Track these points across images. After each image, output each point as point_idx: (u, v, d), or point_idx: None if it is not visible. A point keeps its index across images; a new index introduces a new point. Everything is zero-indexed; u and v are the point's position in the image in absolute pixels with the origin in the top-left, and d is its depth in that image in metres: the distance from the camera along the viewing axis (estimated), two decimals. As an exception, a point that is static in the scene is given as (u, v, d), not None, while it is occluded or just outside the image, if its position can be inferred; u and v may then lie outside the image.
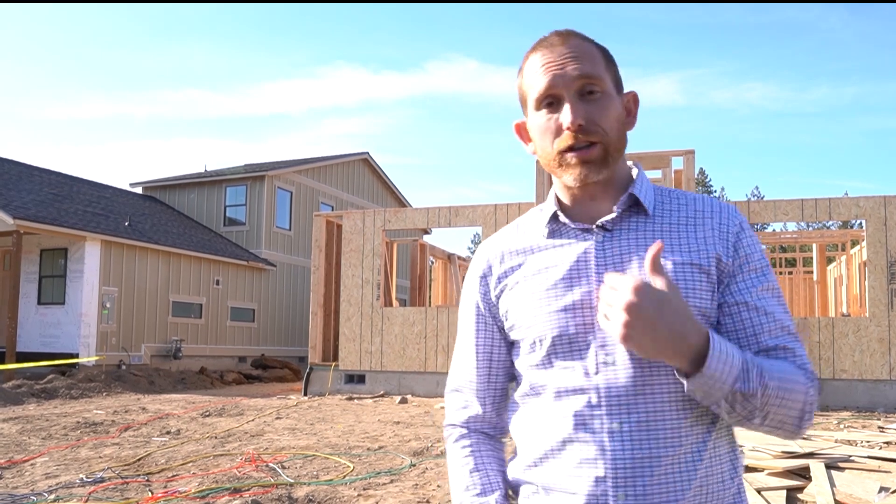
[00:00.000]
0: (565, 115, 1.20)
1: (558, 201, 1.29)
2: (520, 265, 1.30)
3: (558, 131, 1.21)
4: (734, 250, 1.22)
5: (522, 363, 1.28)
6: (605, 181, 1.24)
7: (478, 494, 1.27)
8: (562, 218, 1.27)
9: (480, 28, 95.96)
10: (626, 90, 1.29)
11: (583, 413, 1.17)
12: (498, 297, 1.32)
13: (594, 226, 1.24)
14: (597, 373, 1.17)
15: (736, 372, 1.08)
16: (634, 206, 1.25)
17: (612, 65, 1.27)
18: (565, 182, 1.25)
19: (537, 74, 1.23)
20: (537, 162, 12.16)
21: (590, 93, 1.21)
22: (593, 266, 1.22)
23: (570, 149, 1.21)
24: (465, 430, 1.37)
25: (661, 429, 1.14)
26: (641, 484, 1.13)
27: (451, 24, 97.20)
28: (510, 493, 1.31)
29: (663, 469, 1.13)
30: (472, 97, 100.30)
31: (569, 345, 1.20)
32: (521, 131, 1.33)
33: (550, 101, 1.22)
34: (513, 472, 1.29)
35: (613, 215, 1.23)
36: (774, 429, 1.15)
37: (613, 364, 1.17)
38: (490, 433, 1.37)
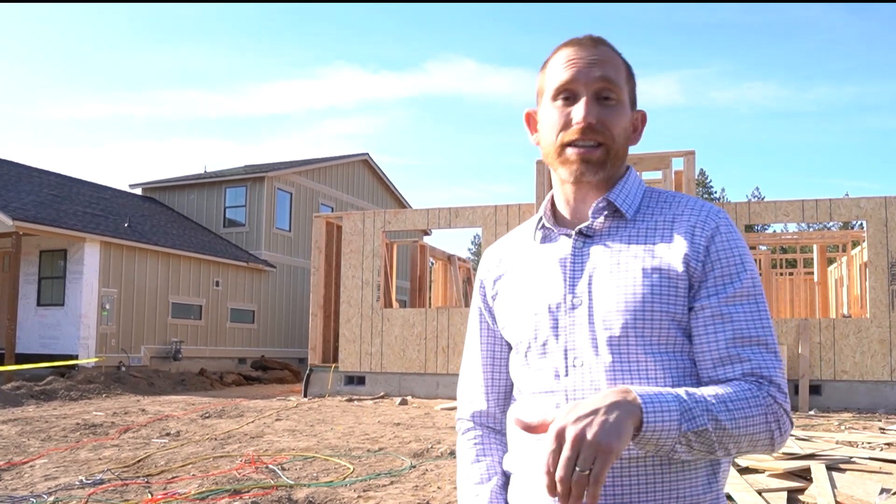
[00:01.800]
0: (578, 111, 1.23)
1: (552, 205, 1.34)
2: (511, 269, 1.36)
3: (567, 125, 1.24)
4: (705, 254, 1.20)
5: (512, 363, 1.35)
6: (599, 185, 1.27)
7: (476, 483, 1.35)
8: (548, 224, 1.31)
9: (479, 28, 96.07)
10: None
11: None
12: (493, 300, 1.39)
13: (574, 231, 1.28)
14: (566, 375, 1.21)
15: (676, 416, 1.03)
16: (618, 212, 1.28)
17: (631, 80, 1.31)
18: (561, 175, 1.29)
19: (561, 67, 1.27)
20: (537, 163, 12.22)
21: (606, 98, 1.24)
22: (569, 271, 1.25)
23: (573, 143, 1.24)
24: (471, 424, 1.43)
25: None
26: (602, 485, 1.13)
27: (449, 24, 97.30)
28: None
29: (627, 472, 1.14)
30: (472, 97, 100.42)
31: (542, 347, 1.25)
32: (530, 120, 1.37)
33: (567, 95, 1.25)
34: (505, 463, 1.36)
35: (590, 222, 1.26)
36: (751, 451, 1.13)
37: (582, 366, 1.20)
38: (495, 427, 1.42)
